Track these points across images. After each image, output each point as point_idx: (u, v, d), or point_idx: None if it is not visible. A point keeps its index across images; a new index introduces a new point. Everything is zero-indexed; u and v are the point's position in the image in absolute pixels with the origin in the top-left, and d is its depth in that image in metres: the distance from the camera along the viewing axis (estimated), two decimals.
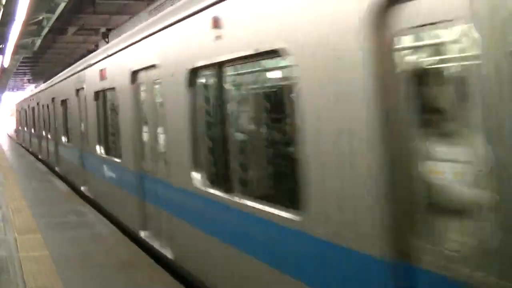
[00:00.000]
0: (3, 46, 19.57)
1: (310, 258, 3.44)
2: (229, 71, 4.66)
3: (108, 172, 9.10)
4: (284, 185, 4.11)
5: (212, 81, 4.94)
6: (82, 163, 11.51)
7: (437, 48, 2.67)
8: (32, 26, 17.60)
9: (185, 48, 5.30)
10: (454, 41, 2.49)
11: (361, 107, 2.89)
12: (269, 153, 4.45)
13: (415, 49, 2.70)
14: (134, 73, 7.11)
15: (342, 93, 3.05)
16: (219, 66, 4.63)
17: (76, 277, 5.99)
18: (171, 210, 5.97)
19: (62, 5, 14.85)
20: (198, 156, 5.21)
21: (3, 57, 22.19)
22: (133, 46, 7.16)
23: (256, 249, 4.14)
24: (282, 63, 3.78)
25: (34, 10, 14.41)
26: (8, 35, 17.06)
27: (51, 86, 16.45)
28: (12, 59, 24.25)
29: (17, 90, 50.27)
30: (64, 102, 13.82)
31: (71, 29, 20.08)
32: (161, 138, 6.24)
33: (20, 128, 32.58)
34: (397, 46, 2.70)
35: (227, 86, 4.72)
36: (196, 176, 5.19)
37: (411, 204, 2.67)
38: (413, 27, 2.59)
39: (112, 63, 8.49)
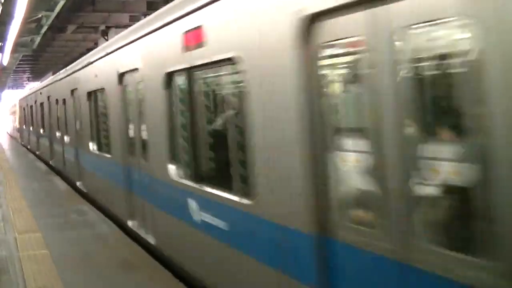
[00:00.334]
0: (2, 44, 19.49)
1: (260, 237, 4.10)
2: (195, 76, 5.39)
3: (102, 168, 9.56)
4: (240, 174, 4.64)
5: (183, 84, 5.69)
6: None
7: (347, 60, 3.38)
8: (31, 24, 17.52)
9: (162, 54, 6.02)
10: (359, 52, 3.09)
11: (292, 105, 3.52)
12: (228, 146, 4.92)
13: (332, 58, 3.40)
14: (121, 75, 7.74)
15: (278, 93, 3.70)
16: (187, 71, 5.38)
17: (76, 277, 5.99)
18: (152, 200, 6.66)
19: (61, 3, 14.77)
20: (173, 150, 5.87)
21: (2, 55, 22.11)
22: (120, 50, 7.82)
23: (218, 232, 4.76)
24: (236, 68, 4.34)
25: (33, 8, 14.35)
26: (7, 33, 16.99)
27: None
28: (11, 57, 24.24)
29: (17, 88, 50.53)
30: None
31: (71, 27, 20.03)
32: (144, 134, 6.91)
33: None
34: (319, 55, 3.36)
35: (195, 88, 5.45)
36: (171, 168, 5.82)
37: (330, 188, 3.35)
38: (330, 41, 3.27)
39: (103, 65, 8.98)
